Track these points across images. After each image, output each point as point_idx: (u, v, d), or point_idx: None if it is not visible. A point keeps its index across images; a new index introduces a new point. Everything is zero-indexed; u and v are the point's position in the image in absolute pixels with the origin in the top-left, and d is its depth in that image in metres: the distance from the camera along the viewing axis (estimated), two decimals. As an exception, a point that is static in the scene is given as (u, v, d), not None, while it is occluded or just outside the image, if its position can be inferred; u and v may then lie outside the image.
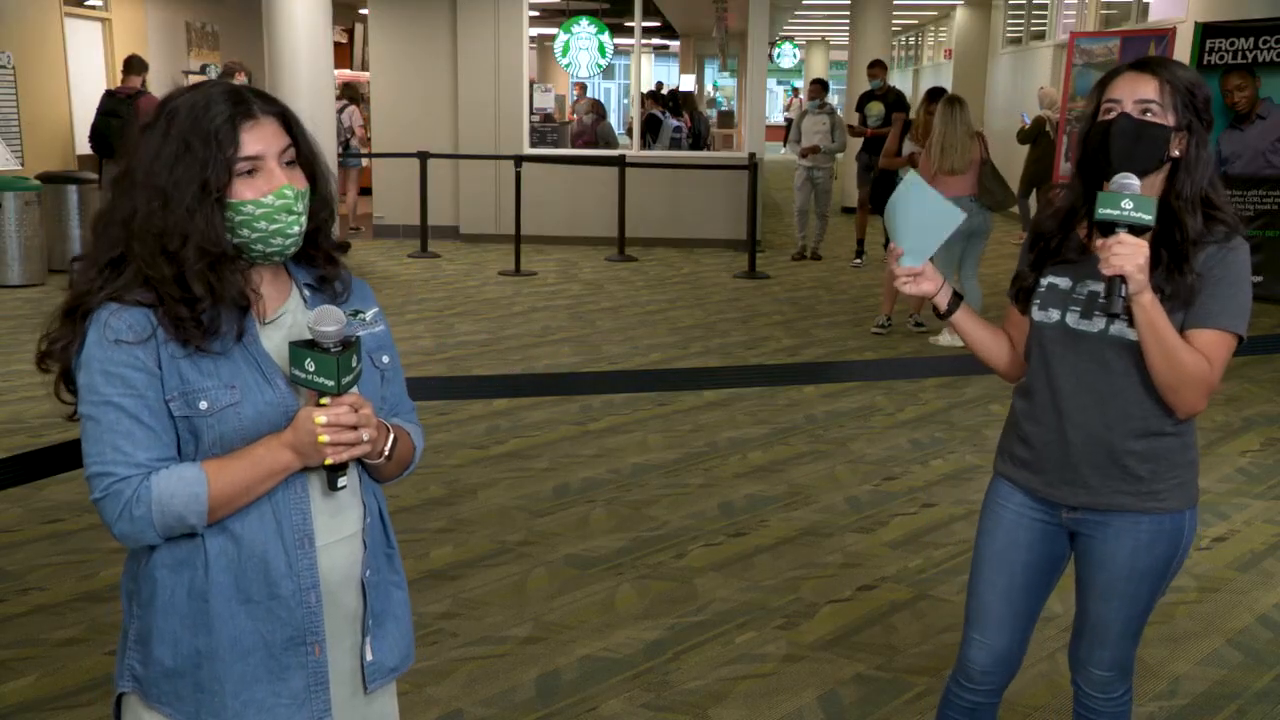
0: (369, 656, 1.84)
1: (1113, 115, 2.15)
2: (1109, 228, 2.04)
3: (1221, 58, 9.81)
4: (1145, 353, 2.11)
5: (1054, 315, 2.26)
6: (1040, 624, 3.64)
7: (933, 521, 4.72)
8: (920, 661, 3.56)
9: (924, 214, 2.18)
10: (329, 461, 1.68)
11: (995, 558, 2.40)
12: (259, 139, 1.69)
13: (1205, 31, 9.90)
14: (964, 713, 2.50)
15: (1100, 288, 2.16)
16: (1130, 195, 2.03)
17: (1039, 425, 2.31)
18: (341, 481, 1.73)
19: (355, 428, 1.68)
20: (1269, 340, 7.40)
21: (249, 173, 1.68)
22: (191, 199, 1.65)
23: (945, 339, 7.87)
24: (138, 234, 1.66)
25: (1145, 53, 10.35)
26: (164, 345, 1.65)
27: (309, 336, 1.69)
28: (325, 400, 1.67)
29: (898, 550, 4.43)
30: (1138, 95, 2.14)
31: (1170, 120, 2.14)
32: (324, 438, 1.65)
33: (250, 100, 1.70)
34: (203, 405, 1.66)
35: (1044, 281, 2.29)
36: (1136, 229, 2.03)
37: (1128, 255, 2.00)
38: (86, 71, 12.34)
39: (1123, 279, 2.02)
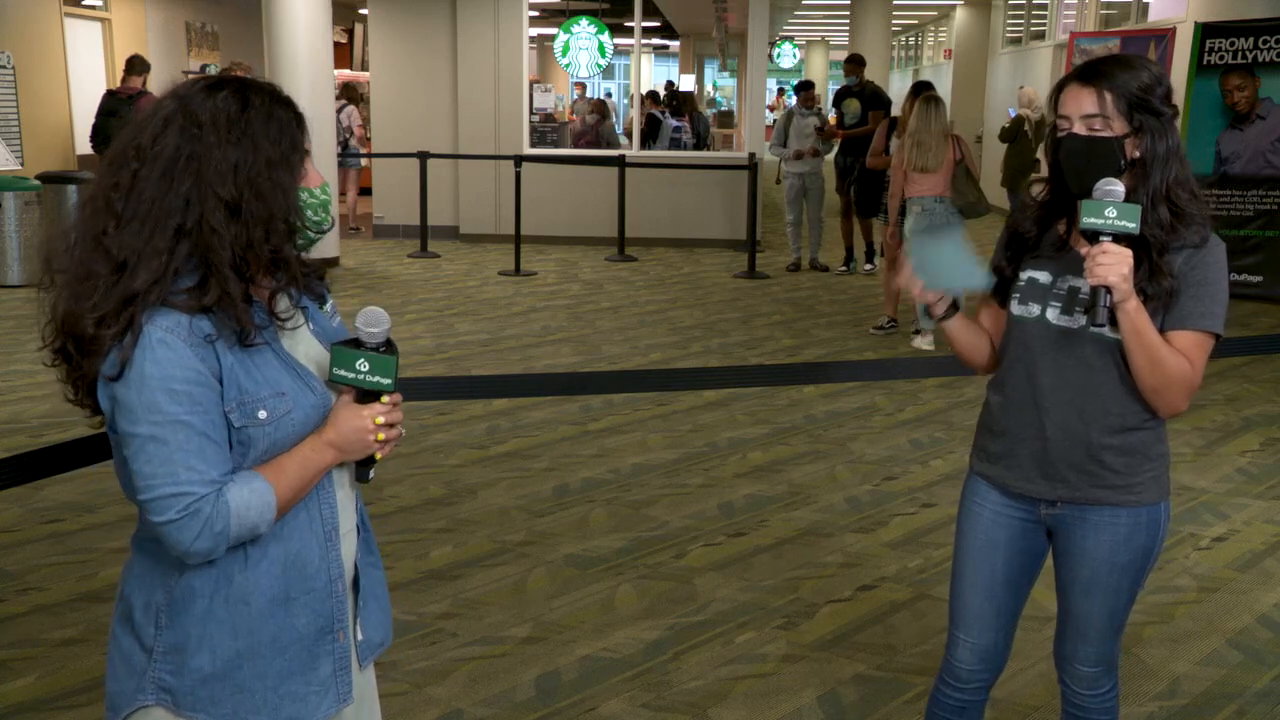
0: (359, 635, 1.88)
1: (1064, 134, 2.17)
2: (1094, 236, 2.06)
3: (1221, 58, 9.81)
4: (1130, 357, 2.14)
5: (1034, 310, 2.28)
6: (1039, 624, 3.66)
7: (933, 521, 4.72)
8: (920, 661, 3.56)
9: (955, 263, 2.20)
10: (379, 456, 1.75)
11: (975, 557, 2.41)
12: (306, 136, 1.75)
13: (1205, 31, 9.90)
14: (953, 712, 2.51)
15: (1081, 284, 2.19)
16: (1114, 203, 2.04)
17: (1015, 420, 2.32)
18: (371, 473, 1.80)
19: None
20: (1269, 340, 7.41)
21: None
22: (288, 179, 1.68)
23: (917, 342, 7.84)
24: (212, 208, 1.62)
25: (1145, 53, 10.36)
26: (223, 354, 1.63)
27: (349, 336, 1.75)
28: (385, 399, 1.73)
29: (898, 550, 4.43)
30: (1082, 110, 2.15)
31: (1120, 128, 2.14)
32: (382, 436, 1.72)
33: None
34: (261, 415, 1.66)
35: (1023, 276, 2.31)
36: (1121, 236, 2.04)
37: (1112, 265, 2.02)
38: (86, 71, 12.36)
39: (1108, 289, 2.04)
